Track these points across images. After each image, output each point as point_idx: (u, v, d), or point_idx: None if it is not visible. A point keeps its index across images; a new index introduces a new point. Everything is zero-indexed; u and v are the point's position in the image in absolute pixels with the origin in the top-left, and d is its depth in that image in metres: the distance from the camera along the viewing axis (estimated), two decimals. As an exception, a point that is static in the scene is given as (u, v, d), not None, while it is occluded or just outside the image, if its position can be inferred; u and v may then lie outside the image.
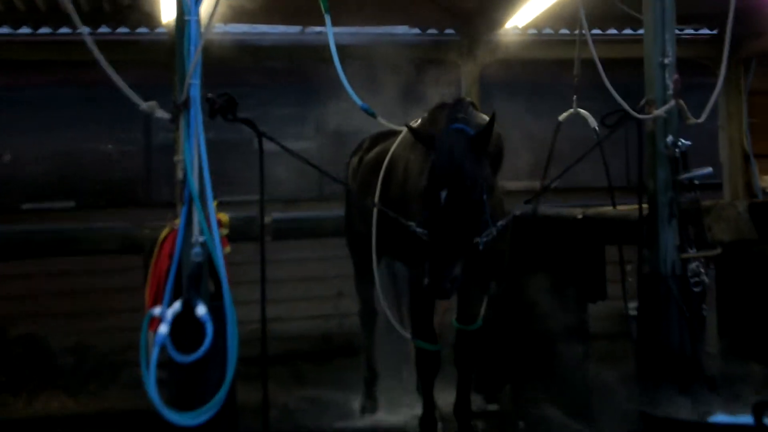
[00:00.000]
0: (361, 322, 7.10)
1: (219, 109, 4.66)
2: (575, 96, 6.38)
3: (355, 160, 6.85)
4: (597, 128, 6.17)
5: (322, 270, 9.47)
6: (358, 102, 5.32)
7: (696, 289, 5.30)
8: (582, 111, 6.44)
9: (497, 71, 9.15)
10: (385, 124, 5.72)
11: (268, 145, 5.11)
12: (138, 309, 4.78)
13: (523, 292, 6.35)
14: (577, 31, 9.72)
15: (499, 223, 5.15)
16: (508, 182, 6.68)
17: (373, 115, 5.50)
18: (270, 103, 10.25)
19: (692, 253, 5.37)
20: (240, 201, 6.05)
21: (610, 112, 5.72)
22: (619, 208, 6.34)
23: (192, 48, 4.45)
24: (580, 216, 6.51)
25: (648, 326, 5.42)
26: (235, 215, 4.95)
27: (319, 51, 7.15)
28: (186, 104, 4.42)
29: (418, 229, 5.04)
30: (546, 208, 6.94)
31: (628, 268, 5.79)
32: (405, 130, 5.85)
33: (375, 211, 5.80)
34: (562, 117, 6.56)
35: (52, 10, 8.43)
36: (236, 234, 4.88)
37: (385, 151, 6.05)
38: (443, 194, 4.80)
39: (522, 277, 6.38)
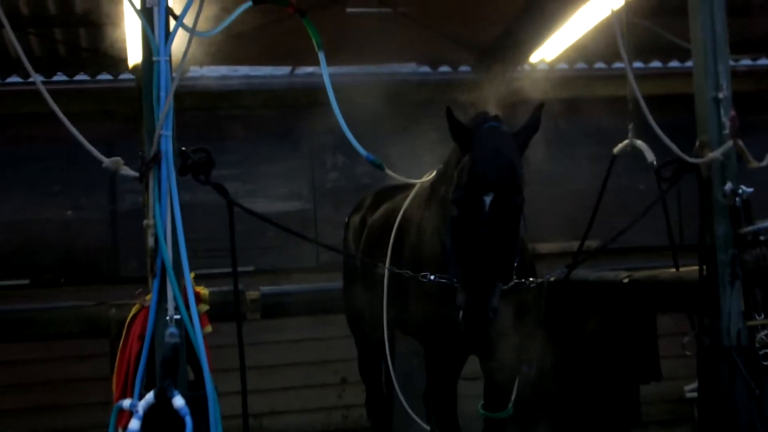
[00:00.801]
0: (370, 413, 7.06)
1: (191, 166, 4.66)
2: (631, 125, 6.30)
3: (357, 219, 6.87)
4: (655, 163, 6.11)
5: (323, 353, 9.45)
6: (363, 152, 5.31)
7: (766, 363, 5.26)
8: (638, 142, 6.35)
9: (522, 113, 9.19)
10: (395, 177, 5.74)
11: (255, 208, 5.13)
12: (104, 402, 4.75)
13: (562, 372, 6.31)
14: (615, 65, 9.90)
15: (533, 280, 5.15)
16: (537, 244, 6.67)
17: (380, 167, 5.51)
18: (256, 158, 10.31)
19: (760, 320, 5.34)
20: (222, 273, 6.05)
21: (664, 162, 5.70)
22: (672, 270, 6.32)
23: (162, 94, 4.46)
24: (626, 279, 6.50)
25: (711, 409, 5.37)
26: (217, 289, 4.94)
27: (312, 95, 7.23)
28: (156, 159, 4.42)
29: (432, 277, 5.07)
30: (585, 272, 6.92)
31: (685, 340, 5.74)
32: (418, 184, 5.88)
33: (386, 278, 5.78)
34: (617, 149, 6.50)
35: (-1, 56, 8.54)
36: (218, 311, 4.87)
37: (396, 210, 6.06)
38: (488, 199, 4.71)
39: (560, 354, 6.34)
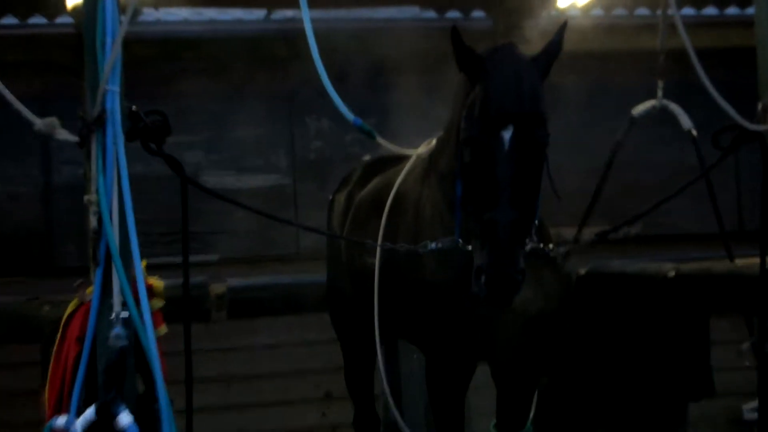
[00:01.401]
0: (358, 434, 7.09)
1: (143, 129, 4.64)
2: (660, 83, 6.30)
3: (342, 197, 6.86)
4: (694, 132, 6.10)
5: (303, 361, 9.45)
6: (349, 116, 5.30)
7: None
8: (672, 105, 6.34)
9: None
10: (388, 146, 5.73)
11: (223, 183, 5.12)
12: (35, 420, 4.75)
13: (593, 385, 6.32)
14: (660, 12, 9.88)
15: (552, 247, 5.15)
16: (562, 228, 6.67)
17: (370, 134, 5.50)
18: (223, 122, 10.30)
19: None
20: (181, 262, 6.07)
21: (722, 128, 5.69)
22: (728, 262, 6.33)
23: (108, 41, 4.46)
24: (672, 274, 6.50)
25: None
26: (174, 282, 4.94)
27: (292, 44, 7.20)
28: (100, 121, 4.41)
29: (433, 245, 5.09)
30: (623, 263, 6.92)
31: (743, 347, 5.76)
32: (414, 154, 5.86)
33: (378, 264, 5.78)
34: (637, 110, 6.49)
35: None
36: (175, 308, 4.87)
37: (389, 185, 6.05)
38: (507, 134, 4.68)
39: (589, 364, 6.35)
